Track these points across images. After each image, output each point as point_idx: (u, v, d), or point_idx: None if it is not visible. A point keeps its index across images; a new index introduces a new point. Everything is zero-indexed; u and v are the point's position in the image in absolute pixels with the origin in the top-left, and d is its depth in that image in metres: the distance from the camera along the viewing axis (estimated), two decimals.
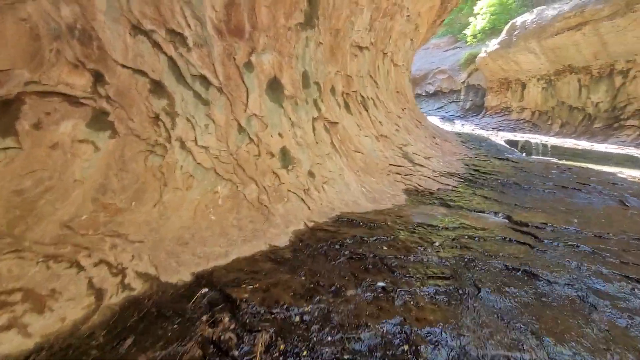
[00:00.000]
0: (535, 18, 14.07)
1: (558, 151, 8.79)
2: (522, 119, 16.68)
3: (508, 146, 7.77)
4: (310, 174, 3.25)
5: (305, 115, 3.68)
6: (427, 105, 24.13)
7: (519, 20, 15.08)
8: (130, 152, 2.48)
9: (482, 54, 17.91)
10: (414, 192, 3.82)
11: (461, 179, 4.53)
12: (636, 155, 7.97)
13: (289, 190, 2.94)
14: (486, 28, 19.63)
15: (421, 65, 24.59)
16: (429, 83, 23.97)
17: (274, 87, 3.49)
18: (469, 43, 20.88)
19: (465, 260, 2.20)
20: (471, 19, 20.80)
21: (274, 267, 2.03)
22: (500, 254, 2.31)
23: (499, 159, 6.12)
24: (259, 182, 2.97)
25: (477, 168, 4.99)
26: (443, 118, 20.20)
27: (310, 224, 2.60)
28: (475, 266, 2.14)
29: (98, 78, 2.22)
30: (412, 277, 1.98)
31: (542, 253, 2.37)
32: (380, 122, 4.87)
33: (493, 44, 16.76)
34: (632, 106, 11.89)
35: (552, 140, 9.51)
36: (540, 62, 14.81)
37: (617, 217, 3.24)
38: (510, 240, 2.56)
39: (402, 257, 2.18)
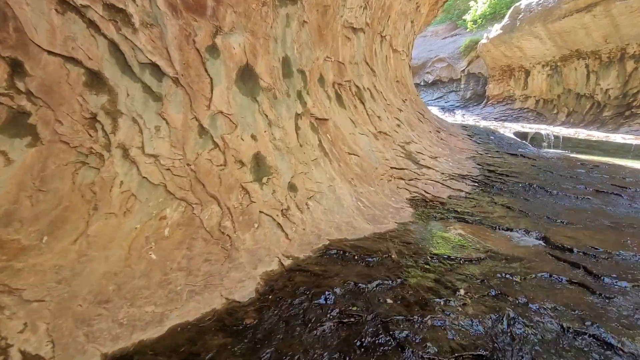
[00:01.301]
0: (541, 0, 13.24)
1: (571, 143, 8.11)
2: (525, 108, 15.96)
3: (518, 139, 7.07)
4: (292, 188, 2.56)
5: (286, 112, 2.96)
6: (426, 95, 23.32)
7: (523, 3, 14.24)
8: (55, 164, 1.82)
9: (483, 40, 17.08)
10: (422, 203, 3.14)
11: (475, 182, 3.84)
12: None
13: (262, 212, 2.25)
14: (487, 13, 18.76)
15: (419, 54, 23.70)
16: (428, 72, 23.13)
17: (246, 77, 2.77)
18: (469, 29, 20.02)
19: (506, 320, 1.54)
20: (472, 3, 19.90)
21: (226, 344, 1.36)
22: (550, 306, 1.65)
23: (512, 154, 5.43)
24: (222, 201, 2.27)
25: (491, 168, 4.31)
26: (443, 108, 19.44)
27: (287, 262, 1.92)
28: (522, 332, 1.48)
29: (16, 69, 1.62)
30: (433, 358, 1.32)
31: (607, 301, 1.71)
32: (378, 117, 4.16)
33: (495, 29, 15.93)
34: None
35: (562, 132, 8.82)
36: (546, 48, 14.03)
37: None
38: (559, 280, 1.90)
39: (415, 318, 1.52)
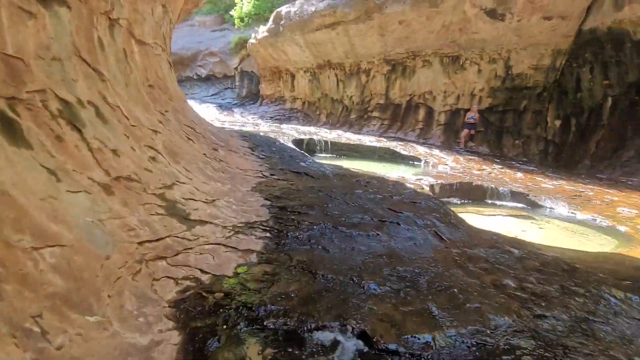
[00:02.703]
0: (297, 10, 14.41)
1: (337, 147, 9.05)
2: (295, 109, 17.48)
3: (297, 149, 7.03)
4: None
5: None
6: (202, 91, 21.76)
7: (284, 9, 15.12)
8: None
9: (252, 40, 17.25)
10: (195, 304, 1.92)
11: (266, 231, 2.98)
12: (392, 148, 9.17)
13: None
14: (252, 12, 19.10)
15: (188, 44, 21.65)
16: (200, 65, 21.55)
17: None
18: (237, 26, 19.85)
19: None
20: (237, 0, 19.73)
21: None
22: None
23: (297, 173, 5.06)
24: None
25: (280, 202, 3.60)
26: (221, 106, 18.59)
27: None
28: None
29: None
30: None
31: None
32: (113, 152, 2.54)
33: (262, 30, 16.33)
34: (374, 100, 14.33)
35: (328, 136, 9.79)
36: (305, 55, 15.60)
37: (463, 275, 2.59)
38: None
39: None
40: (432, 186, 5.15)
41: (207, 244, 2.59)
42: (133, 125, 3.01)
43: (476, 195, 5.60)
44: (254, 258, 2.59)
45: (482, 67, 11.40)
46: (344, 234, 3.09)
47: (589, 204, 5.36)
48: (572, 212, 4.96)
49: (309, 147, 8.57)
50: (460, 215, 4.40)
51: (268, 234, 2.95)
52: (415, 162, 8.30)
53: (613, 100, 9.08)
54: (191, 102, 18.85)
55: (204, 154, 4.24)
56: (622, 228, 4.31)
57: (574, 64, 9.76)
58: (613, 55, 8.80)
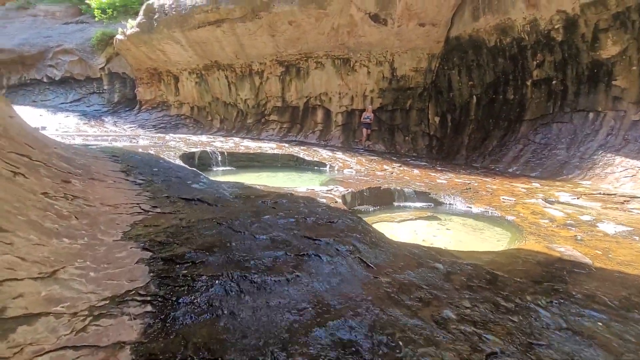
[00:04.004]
0: (173, 4, 12.74)
1: (235, 158, 8.14)
2: (182, 115, 15.62)
3: (187, 166, 5.94)
4: None
5: None
6: (57, 97, 17.67)
7: (156, 2, 13.21)
8: None
9: (119, 36, 14.68)
10: None
11: (145, 303, 2.07)
12: (295, 154, 8.73)
13: None
14: (117, 4, 16.31)
15: (31, 39, 17.33)
16: (52, 66, 17.47)
17: None
18: (98, 19, 16.70)
19: None
20: None
21: None
22: None
23: (188, 200, 4.12)
24: None
25: (167, 250, 2.71)
26: (86, 114, 15.36)
27: None
28: None
29: None
30: None
31: None
32: None
33: (131, 25, 14.02)
34: (271, 103, 13.74)
35: (225, 146, 8.78)
36: (189, 55, 14.00)
37: (402, 315, 2.21)
38: None
39: None
40: (343, 196, 4.84)
41: (41, 355, 1.61)
42: None
43: (385, 199, 5.54)
44: (126, 357, 1.71)
45: (370, 69, 11.92)
46: (256, 285, 2.40)
47: (478, 195, 5.83)
48: (468, 207, 5.26)
49: (202, 160, 7.48)
50: (375, 225, 4.17)
51: (149, 308, 2.06)
52: (321, 168, 8.03)
53: (477, 98, 10.48)
54: (42, 111, 15.05)
55: (44, 192, 2.97)
56: (510, 217, 4.68)
57: (445, 66, 10.95)
58: (474, 59, 10.12)
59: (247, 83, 13.87)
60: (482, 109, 10.41)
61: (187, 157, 7.03)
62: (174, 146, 7.78)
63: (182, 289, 2.22)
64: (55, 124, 13.31)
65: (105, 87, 17.53)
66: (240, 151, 8.38)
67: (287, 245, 2.95)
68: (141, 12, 13.54)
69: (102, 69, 17.13)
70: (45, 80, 17.79)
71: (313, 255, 2.86)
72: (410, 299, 2.50)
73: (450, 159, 10.49)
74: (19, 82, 17.92)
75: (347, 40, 11.42)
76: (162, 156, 6.25)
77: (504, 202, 5.45)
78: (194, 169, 5.78)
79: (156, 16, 13.04)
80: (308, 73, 12.72)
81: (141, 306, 2.02)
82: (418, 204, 5.49)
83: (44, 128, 11.81)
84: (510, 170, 8.74)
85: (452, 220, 5.00)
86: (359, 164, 8.29)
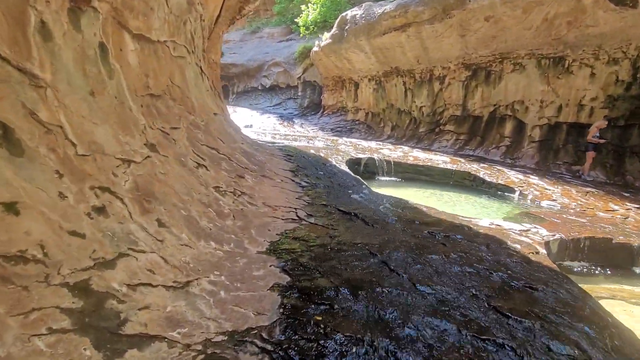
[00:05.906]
0: (363, 14, 13.18)
1: (401, 168, 7.48)
2: (357, 120, 16.15)
3: (351, 173, 5.67)
4: None
5: None
6: (265, 101, 21.68)
7: (349, 13, 14.03)
8: None
9: (315, 48, 16.45)
10: None
11: (264, 353, 1.68)
12: (474, 172, 7.29)
13: None
14: (318, 20, 18.38)
15: (255, 56, 21.87)
16: (265, 76, 21.53)
17: None
18: (302, 35, 19.33)
19: None
20: (303, 7, 19.24)
21: None
22: None
23: (346, 214, 3.72)
24: None
25: (306, 279, 2.29)
26: (282, 116, 18.09)
27: None
28: None
29: None
30: None
31: None
32: (9, 207, 1.51)
33: (325, 37, 15.43)
34: (448, 112, 12.34)
35: (392, 155, 8.24)
36: (371, 62, 14.24)
37: None
38: None
39: None
40: (547, 244, 3.39)
41: None
42: (82, 155, 1.95)
43: (619, 259, 3.66)
44: None
45: (596, 70, 8.86)
46: None
47: None
48: None
49: (368, 168, 7.17)
50: (601, 303, 2.62)
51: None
52: (507, 194, 6.36)
53: None
54: (254, 113, 18.64)
55: (216, 186, 3.14)
56: None
57: None
58: None
59: (424, 89, 12.93)
60: None
61: (354, 163, 6.85)
62: (344, 150, 7.79)
63: (309, 345, 1.70)
64: (259, 122, 16.14)
65: (299, 94, 20.23)
66: (409, 162, 7.64)
67: (462, 316, 2.03)
68: (335, 25, 14.68)
69: (299, 78, 19.81)
70: (259, 88, 22.15)
71: (505, 347, 1.84)
72: None
73: None
74: (243, 90, 23.03)
75: (566, 33, 8.83)
76: (330, 159, 6.25)
77: None
78: (358, 177, 5.45)
79: (347, 27, 13.83)
80: (501, 77, 10.65)
81: (258, 356, 1.59)
82: None
83: (250, 126, 14.47)
84: None
85: None
86: (566, 195, 6.10)
